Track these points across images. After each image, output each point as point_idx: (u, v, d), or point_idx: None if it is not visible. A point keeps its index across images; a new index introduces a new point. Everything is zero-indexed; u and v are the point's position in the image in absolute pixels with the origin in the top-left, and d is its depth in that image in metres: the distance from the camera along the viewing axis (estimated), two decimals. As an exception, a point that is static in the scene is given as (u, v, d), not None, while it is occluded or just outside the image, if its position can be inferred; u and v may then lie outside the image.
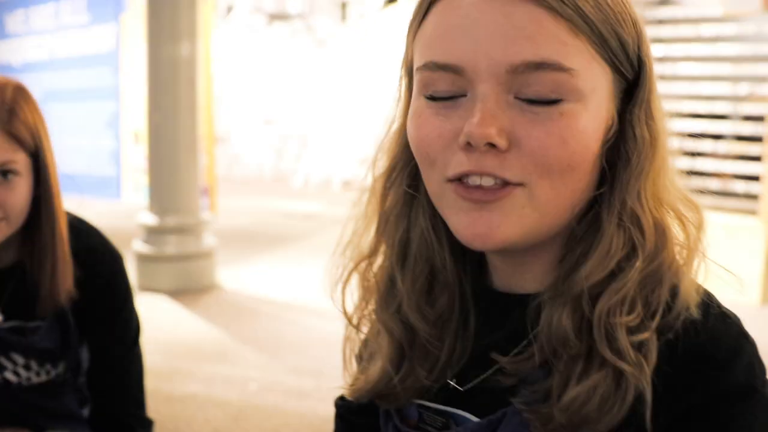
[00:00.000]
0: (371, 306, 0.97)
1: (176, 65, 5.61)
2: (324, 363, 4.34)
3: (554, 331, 0.80)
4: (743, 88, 5.93)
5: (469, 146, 0.78)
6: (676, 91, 6.21)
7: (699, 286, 0.82)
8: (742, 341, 0.80)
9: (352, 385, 0.98)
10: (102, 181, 9.57)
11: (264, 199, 11.51)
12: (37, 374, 1.73)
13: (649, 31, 6.38)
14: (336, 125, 13.37)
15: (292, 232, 8.78)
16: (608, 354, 0.77)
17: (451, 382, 0.90)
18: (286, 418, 3.60)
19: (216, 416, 3.63)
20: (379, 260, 0.96)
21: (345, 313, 1.00)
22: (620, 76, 0.82)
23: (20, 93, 1.62)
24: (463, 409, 0.89)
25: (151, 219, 5.86)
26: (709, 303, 0.81)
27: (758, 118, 5.80)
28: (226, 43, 13.73)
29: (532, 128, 0.77)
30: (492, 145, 0.77)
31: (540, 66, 0.76)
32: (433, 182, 0.84)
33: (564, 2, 0.76)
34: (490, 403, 0.86)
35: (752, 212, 5.77)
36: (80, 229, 1.77)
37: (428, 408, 0.92)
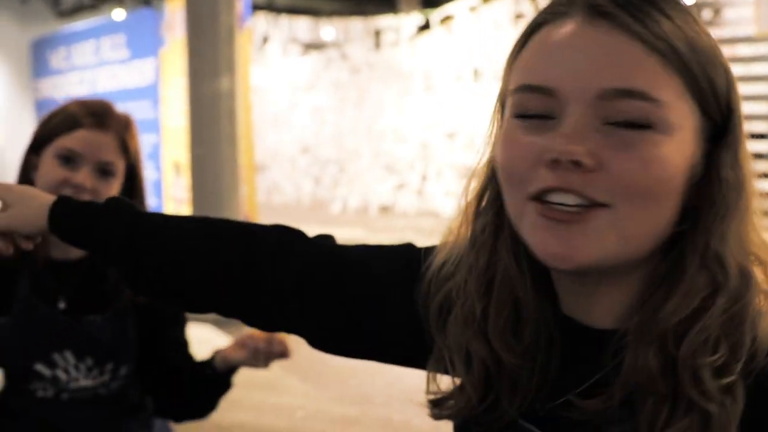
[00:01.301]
0: (457, 329, 0.94)
1: (217, 100, 5.74)
2: (367, 391, 4.40)
3: (640, 369, 0.80)
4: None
5: (554, 163, 0.79)
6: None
7: None
8: None
9: (438, 409, 0.96)
10: (144, 212, 9.74)
11: (303, 225, 11.49)
12: (88, 371, 1.81)
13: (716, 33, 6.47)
14: (372, 152, 13.48)
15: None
16: (695, 395, 0.77)
17: (537, 407, 0.89)
18: (333, 446, 3.67)
19: (265, 444, 3.70)
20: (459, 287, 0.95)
21: (430, 333, 0.98)
22: (708, 119, 0.82)
23: (131, 119, 1.86)
24: (542, 429, 0.89)
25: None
26: None
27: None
28: (262, 73, 13.92)
29: (617, 152, 0.78)
30: (577, 164, 0.78)
31: (628, 93, 0.78)
32: (514, 202, 0.85)
33: (659, 38, 0.79)
34: (569, 428, 0.86)
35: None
36: None
37: (518, 425, 0.91)
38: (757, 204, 0.84)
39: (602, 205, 0.79)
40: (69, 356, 1.79)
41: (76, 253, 1.86)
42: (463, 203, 0.96)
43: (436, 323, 0.97)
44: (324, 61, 14.24)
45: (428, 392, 0.97)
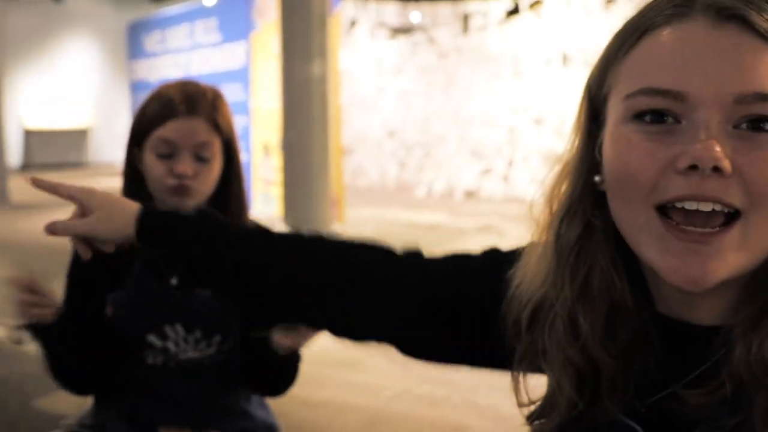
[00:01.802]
0: (551, 338, 0.94)
1: (309, 84, 5.86)
2: (453, 373, 4.44)
3: (754, 361, 0.80)
4: None
5: (691, 170, 0.77)
6: None
7: None
8: None
9: (533, 417, 0.98)
10: (234, 193, 9.92)
11: (388, 209, 11.69)
12: (196, 343, 1.92)
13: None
14: (458, 136, 13.48)
15: (417, 242, 8.86)
16: None
17: (637, 403, 0.90)
18: (419, 426, 3.73)
19: (350, 421, 3.79)
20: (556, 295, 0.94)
21: (517, 345, 0.99)
22: None
23: (218, 93, 1.96)
24: (642, 426, 0.90)
25: (285, 230, 6.10)
26: None
27: None
28: (350, 56, 14.02)
29: (754, 157, 0.77)
30: (717, 170, 0.77)
31: (766, 98, 0.77)
32: (632, 212, 0.83)
33: None
34: (668, 429, 0.87)
35: None
36: None
37: (615, 421, 0.92)
38: None
39: (735, 216, 0.79)
40: (179, 329, 1.90)
41: None
42: (548, 205, 0.94)
43: (527, 330, 0.96)
44: (411, 45, 14.26)
45: (519, 404, 0.98)
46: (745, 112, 0.78)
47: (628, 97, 0.83)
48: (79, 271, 2.01)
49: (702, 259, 0.79)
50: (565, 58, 12.04)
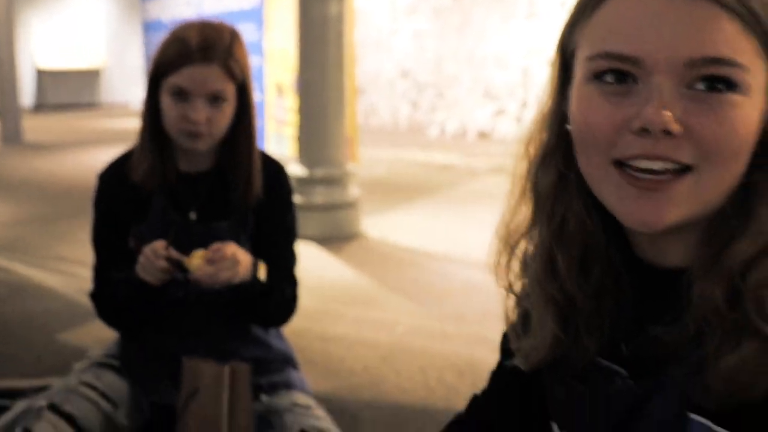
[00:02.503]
0: (530, 277, 1.03)
1: (326, 24, 5.85)
2: (465, 309, 4.54)
3: (707, 303, 0.86)
4: None
5: (644, 132, 0.83)
6: None
7: None
8: None
9: (520, 352, 1.06)
10: (247, 132, 9.92)
11: (400, 149, 11.71)
12: None
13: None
14: (472, 77, 13.42)
15: (429, 182, 8.96)
16: (759, 322, 0.82)
17: (622, 346, 0.97)
18: (431, 359, 3.82)
19: (366, 355, 3.87)
20: (534, 238, 1.02)
21: (508, 287, 1.07)
22: None
23: (235, 36, 2.00)
24: (626, 368, 0.97)
25: (300, 170, 6.16)
26: None
27: None
28: (364, -4, 13.92)
29: (704, 117, 0.82)
30: (666, 132, 0.82)
31: (717, 61, 0.82)
32: (594, 165, 0.90)
33: (740, 3, 0.82)
34: (647, 368, 0.93)
35: None
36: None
37: (595, 363, 1.00)
38: None
39: (687, 169, 0.84)
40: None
41: (203, 164, 2.06)
42: (526, 152, 1.02)
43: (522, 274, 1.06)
44: (426, -16, 14.15)
45: (515, 348, 1.08)
46: (697, 74, 0.83)
47: (590, 58, 0.89)
48: (104, 206, 2.09)
49: (654, 203, 0.86)
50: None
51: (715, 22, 0.82)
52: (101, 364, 2.09)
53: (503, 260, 1.06)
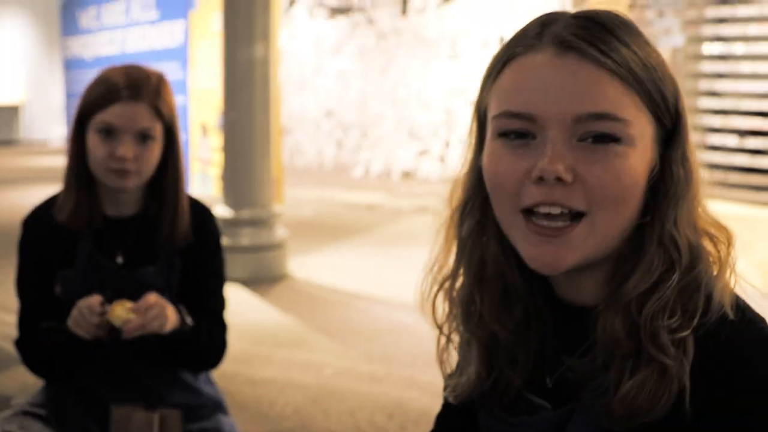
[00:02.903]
0: (457, 319, 1.12)
1: (252, 66, 5.87)
2: (393, 350, 4.55)
3: (609, 334, 0.95)
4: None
5: (540, 180, 0.93)
6: (738, 89, 6.29)
7: (731, 292, 0.97)
8: (765, 342, 0.94)
9: (453, 391, 1.13)
10: (172, 172, 9.82)
11: (326, 189, 11.72)
12: None
13: (710, 30, 6.38)
14: (396, 117, 13.53)
15: (355, 223, 8.99)
16: (653, 351, 0.92)
17: (547, 379, 1.07)
18: (361, 401, 3.82)
19: (295, 398, 3.86)
20: (460, 280, 1.11)
21: (436, 324, 1.14)
22: (660, 125, 0.98)
23: (161, 79, 2.03)
24: (549, 402, 1.05)
25: (226, 212, 6.12)
26: (737, 306, 0.96)
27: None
28: (288, 35, 13.97)
29: (592, 166, 0.93)
30: (559, 180, 0.92)
31: (601, 116, 0.93)
32: (505, 212, 0.99)
33: (619, 65, 0.93)
34: (566, 399, 1.02)
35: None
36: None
37: (523, 397, 1.08)
38: (703, 188, 1.00)
39: (581, 215, 0.94)
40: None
41: (129, 209, 2.06)
42: (450, 203, 1.11)
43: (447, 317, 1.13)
44: (350, 25, 14.25)
45: (445, 381, 1.16)
46: (585, 129, 0.94)
47: (495, 117, 0.99)
48: (29, 251, 2.06)
49: (554, 248, 0.96)
50: (502, 40, 12.12)
51: (598, 82, 0.93)
52: (27, 413, 2.04)
53: (432, 301, 1.13)
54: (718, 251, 0.99)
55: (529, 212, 0.96)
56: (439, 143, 12.97)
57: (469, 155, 1.08)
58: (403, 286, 5.85)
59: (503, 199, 0.98)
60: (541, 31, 0.97)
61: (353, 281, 6.17)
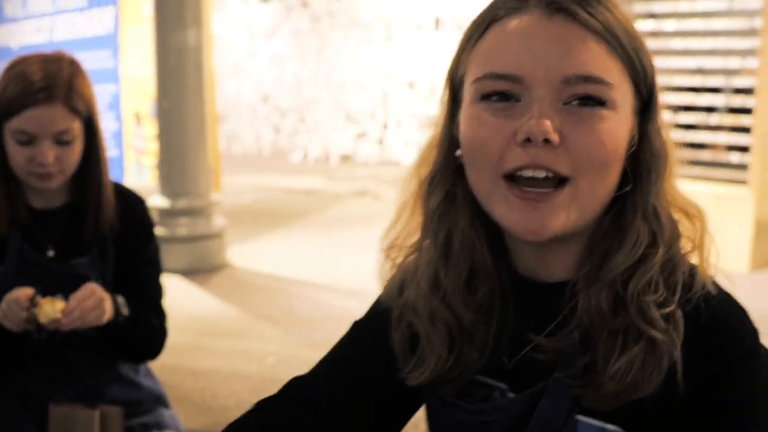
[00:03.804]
0: (418, 295, 1.07)
1: (183, 53, 5.78)
2: (336, 336, 4.52)
3: (594, 310, 0.94)
4: (734, 62, 6.08)
5: (527, 142, 0.91)
6: (669, 65, 6.38)
7: (708, 268, 0.98)
8: (743, 313, 0.97)
9: (409, 373, 1.08)
10: (106, 162, 9.66)
11: (264, 175, 11.64)
12: None
13: (642, 7, 6.46)
14: (332, 101, 13.48)
15: (294, 208, 8.94)
16: (643, 326, 0.92)
17: (505, 359, 1.04)
18: (304, 389, 3.80)
19: (239, 389, 3.83)
20: (423, 255, 1.07)
21: (392, 300, 1.11)
22: (639, 96, 0.98)
23: (75, 68, 1.95)
24: (507, 383, 1.04)
25: (162, 202, 6.04)
26: (715, 283, 0.98)
27: (748, 91, 5.96)
28: (222, 20, 13.81)
29: (578, 127, 0.92)
30: (547, 141, 0.91)
31: (588, 79, 0.92)
32: (484, 179, 0.97)
33: (606, 29, 0.93)
34: (530, 379, 1.00)
35: (742, 182, 5.95)
36: (115, 181, 2.11)
37: (476, 381, 1.06)
38: (676, 164, 1.01)
39: (564, 180, 0.93)
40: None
41: (56, 200, 2.02)
42: (417, 174, 1.08)
43: (399, 292, 1.10)
44: (284, 9, 14.13)
45: (402, 365, 1.09)
46: (572, 92, 0.93)
47: (477, 80, 0.97)
48: None
49: (539, 213, 0.94)
50: (437, 22, 12.16)
51: (585, 43, 0.93)
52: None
53: (388, 274, 1.12)
54: (694, 227, 1.00)
55: (511, 178, 0.94)
56: (377, 126, 12.95)
57: (439, 126, 1.06)
58: (344, 271, 5.88)
59: (484, 164, 0.96)
60: None
61: (294, 268, 6.14)
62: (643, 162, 0.98)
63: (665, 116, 1.02)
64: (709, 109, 6.23)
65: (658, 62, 6.36)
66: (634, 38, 0.97)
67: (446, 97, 1.05)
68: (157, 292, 2.14)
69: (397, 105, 12.67)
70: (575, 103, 0.93)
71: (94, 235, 2.02)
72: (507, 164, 0.94)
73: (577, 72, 0.92)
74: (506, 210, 0.96)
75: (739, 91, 6.10)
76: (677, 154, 1.02)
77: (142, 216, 2.13)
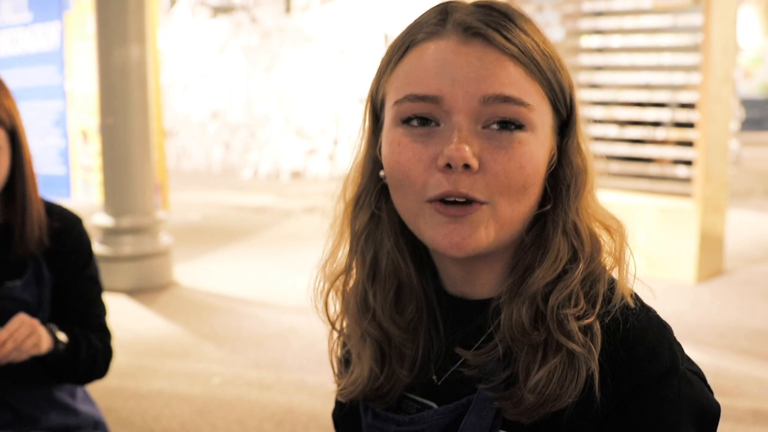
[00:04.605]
0: (349, 315, 1.11)
1: (126, 69, 5.69)
2: (282, 355, 4.48)
3: (515, 324, 0.96)
4: (679, 77, 6.16)
5: (447, 168, 0.93)
6: (616, 80, 6.43)
7: (628, 281, 1.00)
8: (662, 329, 0.97)
9: (343, 389, 1.12)
10: (51, 180, 9.54)
11: (214, 192, 11.56)
12: None
13: (588, 23, 6.52)
14: (283, 117, 13.43)
15: (244, 225, 8.86)
16: (561, 338, 0.93)
17: (434, 377, 1.06)
18: (249, 410, 3.74)
19: (182, 411, 3.75)
20: (353, 275, 1.11)
21: (329, 321, 1.14)
22: (557, 115, 1.00)
23: None
24: (436, 401, 1.05)
25: (106, 220, 5.93)
26: (634, 295, 1.00)
27: (692, 106, 6.04)
28: (171, 36, 13.71)
29: (496, 154, 0.93)
30: (466, 167, 0.92)
31: (506, 99, 0.93)
32: (409, 202, 0.98)
33: (522, 52, 0.95)
34: (457, 395, 1.02)
35: (687, 195, 6.02)
36: (50, 200, 2.08)
37: (407, 397, 1.08)
38: (596, 179, 1.03)
39: (484, 203, 0.94)
40: None
41: None
42: (343, 197, 1.10)
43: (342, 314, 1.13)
44: (234, 24, 14.08)
45: (338, 381, 1.15)
46: (491, 113, 0.94)
47: (397, 103, 0.98)
48: None
49: (461, 228, 0.95)
50: (387, 38, 12.19)
51: (502, 66, 0.94)
52: None
53: (325, 298, 1.12)
54: (614, 241, 1.01)
55: (438, 201, 0.96)
56: (328, 141, 12.94)
57: (362, 146, 1.08)
58: (292, 289, 5.83)
59: (407, 189, 0.97)
60: (444, 18, 0.97)
61: (241, 286, 6.07)
62: (563, 179, 1.00)
63: (592, 131, 1.01)
64: (655, 124, 6.30)
65: (605, 77, 6.45)
66: (551, 59, 0.98)
67: (367, 119, 1.06)
68: (100, 310, 2.10)
69: (348, 120, 12.66)
70: (494, 126, 0.94)
71: (20, 252, 1.96)
72: (430, 191, 0.95)
73: (497, 92, 0.93)
74: (431, 227, 0.97)
75: (683, 105, 6.17)
76: (598, 167, 1.03)
77: (80, 236, 2.08)
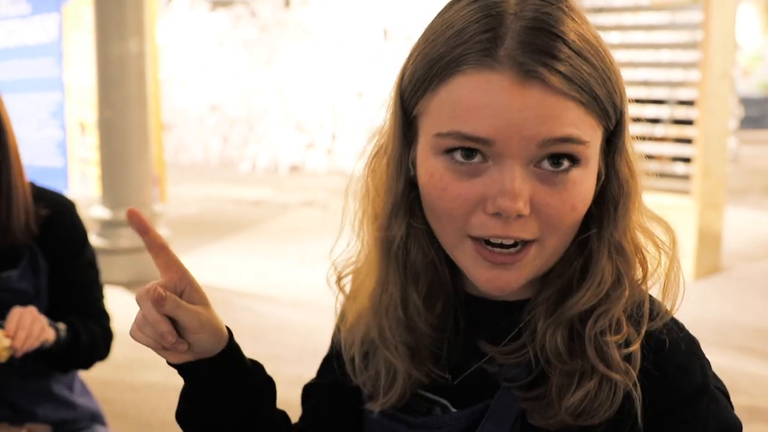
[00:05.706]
0: (379, 316, 1.04)
1: (125, 62, 5.68)
2: (280, 348, 4.48)
3: (550, 349, 0.92)
4: (677, 74, 6.16)
5: (498, 215, 0.87)
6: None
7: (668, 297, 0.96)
8: (693, 345, 0.95)
9: (376, 401, 1.05)
10: (49, 172, 9.54)
11: (212, 185, 11.55)
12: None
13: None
14: (282, 110, 13.43)
15: (242, 218, 8.86)
16: (601, 368, 0.90)
17: (447, 376, 1.02)
18: (246, 404, 3.74)
19: (176, 403, 3.75)
20: (381, 278, 1.03)
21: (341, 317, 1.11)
22: (606, 130, 0.91)
23: None
24: (449, 399, 1.02)
25: (104, 213, 5.93)
26: (667, 312, 0.95)
27: (691, 103, 6.04)
28: (170, 29, 13.70)
29: (549, 198, 0.87)
30: (519, 216, 0.87)
31: (566, 140, 0.85)
32: (449, 233, 0.93)
33: (583, 89, 0.86)
34: (473, 396, 0.99)
35: (686, 192, 6.02)
36: (42, 186, 2.05)
37: (417, 394, 1.04)
38: (644, 182, 0.96)
39: (533, 241, 0.90)
40: None
41: None
42: (367, 196, 1.03)
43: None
44: (233, 18, 14.07)
45: (361, 382, 1.08)
46: (547, 152, 0.86)
47: (440, 135, 0.89)
48: None
49: (506, 273, 0.91)
50: (385, 32, 12.19)
51: (563, 108, 0.85)
52: None
53: (339, 291, 1.10)
54: (660, 252, 0.97)
55: (480, 241, 0.90)
56: (326, 136, 12.94)
57: (391, 146, 0.98)
58: (289, 282, 5.83)
59: (449, 223, 0.91)
60: (494, 41, 0.86)
61: (239, 279, 6.07)
62: (609, 196, 0.94)
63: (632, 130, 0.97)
64: (654, 121, 6.30)
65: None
66: (607, 76, 0.89)
67: (397, 121, 0.96)
68: (98, 294, 2.10)
69: (346, 115, 12.67)
70: (547, 165, 0.87)
71: (7, 241, 1.94)
72: (474, 230, 0.90)
73: (555, 135, 0.85)
74: (472, 266, 0.93)
75: (682, 102, 6.17)
76: (644, 181, 0.97)
77: (72, 221, 2.06)
